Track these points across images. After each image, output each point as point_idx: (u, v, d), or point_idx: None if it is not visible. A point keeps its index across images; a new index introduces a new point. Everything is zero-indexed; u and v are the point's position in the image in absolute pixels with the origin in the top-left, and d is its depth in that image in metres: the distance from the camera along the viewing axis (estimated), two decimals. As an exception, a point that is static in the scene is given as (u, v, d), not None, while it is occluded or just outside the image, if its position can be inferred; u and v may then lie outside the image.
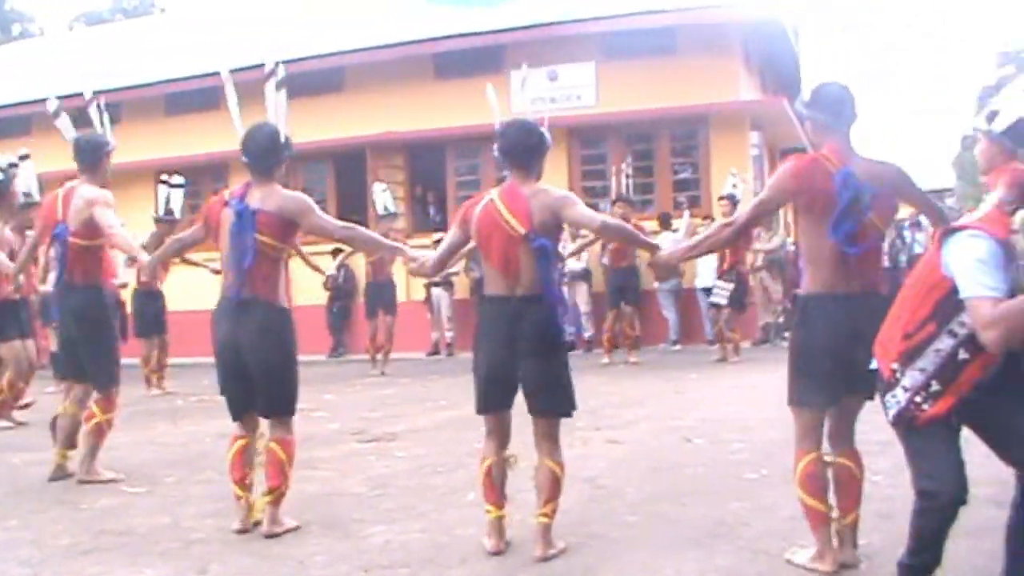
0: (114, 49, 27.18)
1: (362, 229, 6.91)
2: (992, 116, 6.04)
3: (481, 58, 18.69)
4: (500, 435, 5.70)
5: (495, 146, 5.83)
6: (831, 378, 4.95)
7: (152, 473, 8.03)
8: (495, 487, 5.64)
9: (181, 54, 23.10)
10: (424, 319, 18.55)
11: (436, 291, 18.25)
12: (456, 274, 16.16)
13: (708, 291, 15.98)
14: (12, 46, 39.43)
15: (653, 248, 6.00)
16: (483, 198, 5.73)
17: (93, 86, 20.71)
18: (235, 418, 6.30)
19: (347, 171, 19.97)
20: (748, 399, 10.53)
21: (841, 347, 4.91)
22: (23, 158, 10.94)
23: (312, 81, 19.96)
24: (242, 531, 6.11)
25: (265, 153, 6.27)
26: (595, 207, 18.53)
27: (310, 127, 18.45)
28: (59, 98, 8.48)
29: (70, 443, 7.94)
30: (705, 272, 16.29)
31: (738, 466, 7.28)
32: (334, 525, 6.19)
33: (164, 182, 13.83)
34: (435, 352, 18.49)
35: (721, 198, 14.91)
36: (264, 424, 6.33)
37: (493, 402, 5.65)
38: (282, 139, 6.32)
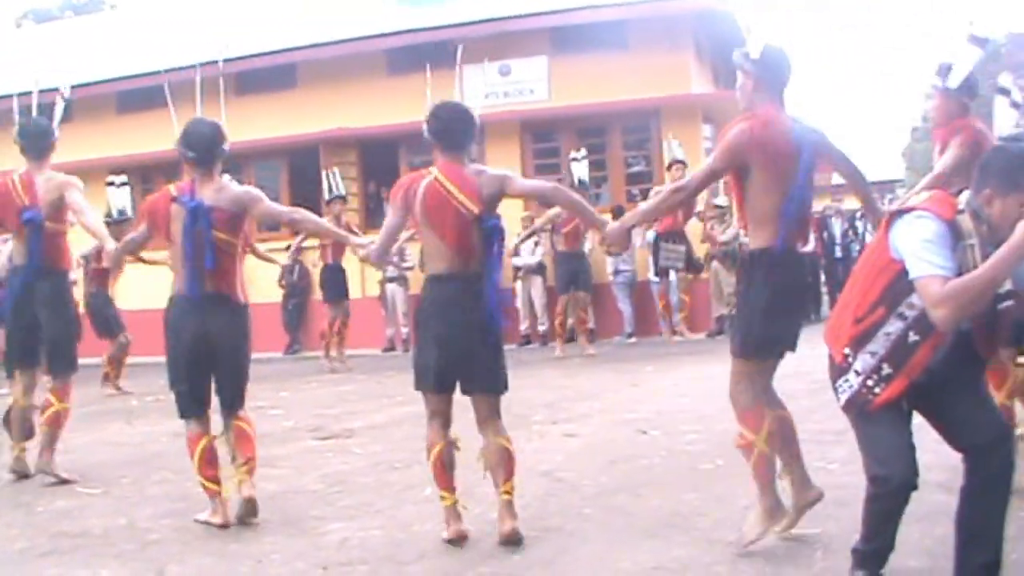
0: (64, 46, 26.94)
1: (309, 213, 7.00)
2: (945, 71, 6.16)
3: (433, 53, 18.64)
4: (446, 417, 5.76)
5: (424, 128, 5.85)
6: (790, 328, 5.25)
7: (107, 474, 8.00)
8: (447, 472, 5.70)
9: (132, 51, 22.93)
10: (379, 315, 18.50)
11: (391, 287, 18.19)
12: (411, 268, 16.07)
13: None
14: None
15: (602, 223, 6.01)
16: (423, 177, 5.72)
17: (42, 84, 20.50)
18: (191, 415, 6.31)
19: (300, 168, 19.86)
20: (704, 391, 10.55)
21: (796, 300, 5.33)
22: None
23: (264, 78, 19.90)
24: (225, 525, 6.13)
25: (211, 146, 6.35)
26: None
27: (263, 124, 18.40)
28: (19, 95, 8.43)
29: (26, 435, 7.92)
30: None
31: (693, 457, 7.33)
32: (292, 523, 6.20)
33: (110, 183, 13.80)
34: (391, 348, 18.45)
35: (672, 164, 15.13)
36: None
37: (447, 381, 5.67)
38: (224, 133, 6.44)
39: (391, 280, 17.93)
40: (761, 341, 5.19)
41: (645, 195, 17.13)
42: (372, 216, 19.91)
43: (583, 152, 16.14)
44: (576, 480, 6.90)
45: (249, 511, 6.20)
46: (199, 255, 6.11)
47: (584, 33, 18.01)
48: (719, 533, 5.45)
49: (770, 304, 5.13)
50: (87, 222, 7.64)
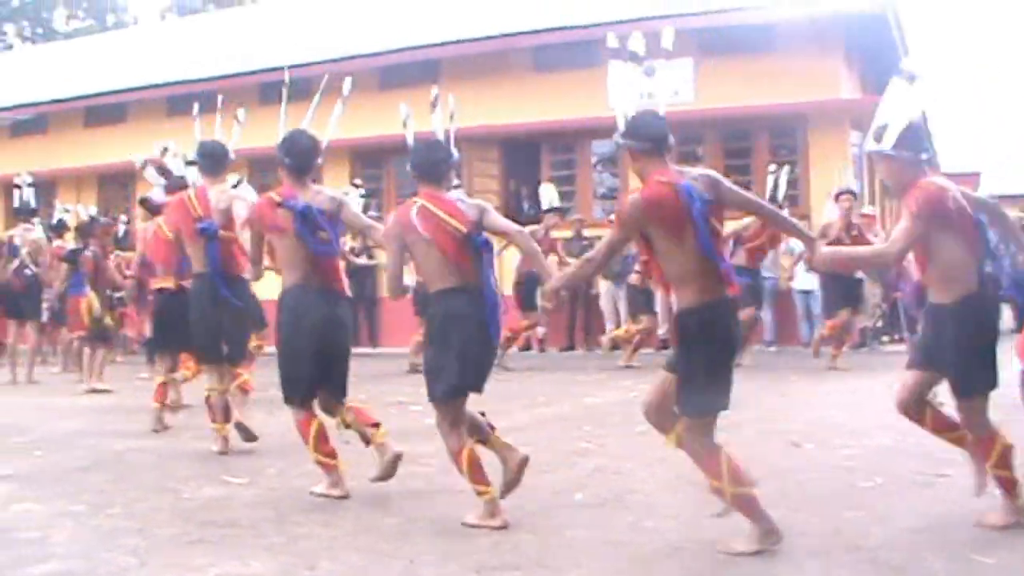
0: (206, 39, 27.43)
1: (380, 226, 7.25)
2: (880, 133, 5.85)
3: (579, 51, 18.56)
4: (464, 418, 6.29)
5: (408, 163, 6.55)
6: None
7: (252, 464, 8.04)
8: (481, 468, 6.09)
9: (271, 45, 23.23)
10: (514, 314, 18.45)
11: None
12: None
13: (807, 293, 15.76)
14: (107, 35, 39.96)
15: (547, 274, 6.35)
16: (411, 207, 6.19)
17: (186, 74, 20.92)
18: (302, 400, 6.93)
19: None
20: (854, 403, 10.34)
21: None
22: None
23: (406, 73, 19.97)
24: (344, 496, 6.69)
25: (308, 157, 6.98)
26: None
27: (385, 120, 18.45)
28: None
29: (226, 416, 8.69)
30: (803, 274, 15.98)
31: (851, 473, 7.11)
32: (442, 523, 6.12)
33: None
34: (527, 347, 18.37)
35: (841, 194, 14.17)
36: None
37: (468, 390, 6.26)
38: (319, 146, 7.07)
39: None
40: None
41: (791, 201, 16.79)
42: (512, 215, 19.85)
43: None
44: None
45: (394, 467, 6.83)
46: (315, 253, 6.77)
47: (731, 35, 17.79)
48: (885, 554, 5.24)
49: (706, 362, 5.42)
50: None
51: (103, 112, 24.67)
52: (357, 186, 15.86)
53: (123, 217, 18.85)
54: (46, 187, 23.74)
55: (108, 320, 13.84)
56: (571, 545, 5.61)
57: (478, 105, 19.34)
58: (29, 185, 16.10)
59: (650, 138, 5.65)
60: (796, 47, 17.81)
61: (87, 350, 14.21)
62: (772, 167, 15.47)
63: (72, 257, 15.02)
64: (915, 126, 5.74)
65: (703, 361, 5.34)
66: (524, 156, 20.49)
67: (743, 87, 17.64)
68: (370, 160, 21.46)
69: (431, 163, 6.41)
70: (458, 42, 19.91)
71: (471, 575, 5.15)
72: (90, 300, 13.79)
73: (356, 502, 6.70)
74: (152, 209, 15.02)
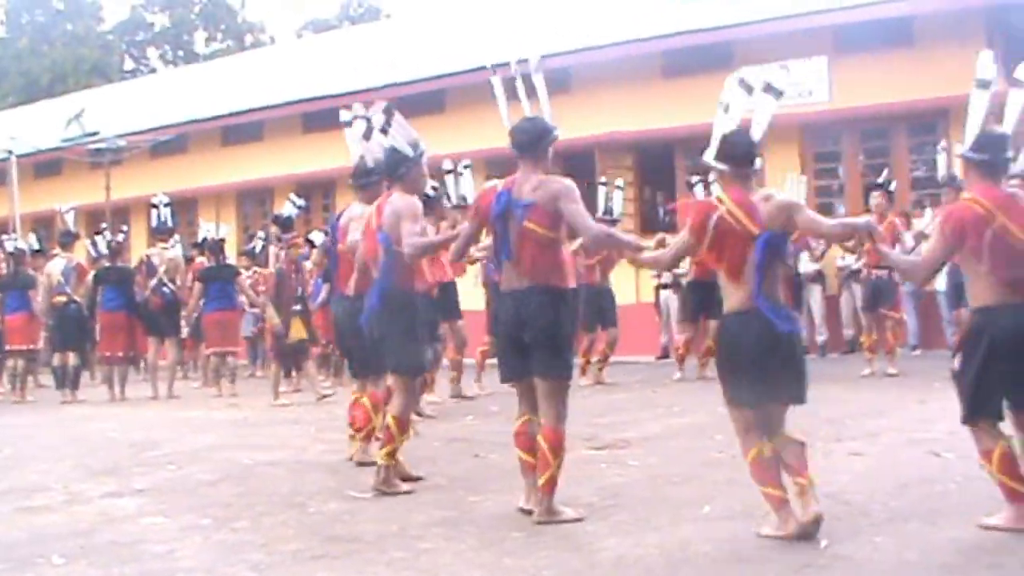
0: (341, 54, 27.73)
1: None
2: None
3: (709, 55, 18.30)
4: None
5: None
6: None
7: (380, 478, 7.97)
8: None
9: (407, 58, 23.38)
10: (653, 321, 18.28)
11: (665, 293, 17.93)
12: (685, 275, 15.70)
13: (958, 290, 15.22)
14: (244, 55, 40.73)
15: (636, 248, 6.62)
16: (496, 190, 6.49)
17: (321, 91, 21.14)
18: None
19: (576, 171, 19.80)
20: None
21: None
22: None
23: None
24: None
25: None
26: (829, 207, 18.04)
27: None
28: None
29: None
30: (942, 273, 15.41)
31: (992, 485, 6.78)
32: (566, 537, 5.98)
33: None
34: (664, 356, 18.16)
35: (872, 189, 13.93)
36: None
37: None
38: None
39: (665, 287, 17.65)
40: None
41: (936, 200, 16.30)
42: (648, 223, 19.67)
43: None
44: (865, 503, 6.45)
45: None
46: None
47: (867, 31, 17.33)
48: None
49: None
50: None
51: (240, 131, 25.08)
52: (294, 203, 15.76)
53: (260, 234, 19.11)
54: (186, 205, 24.25)
55: (297, 334, 13.90)
56: (696, 559, 5.43)
57: (609, 112, 19.24)
58: (166, 205, 16.42)
59: (731, 158, 5.87)
60: (935, 39, 17.30)
61: (273, 366, 14.51)
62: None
63: (210, 274, 15.33)
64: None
65: None
66: (658, 163, 20.28)
67: (880, 83, 17.19)
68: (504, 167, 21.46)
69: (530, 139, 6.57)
70: (587, 49, 19.77)
71: (593, 591, 5.01)
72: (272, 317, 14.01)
73: (482, 516, 6.61)
74: (284, 225, 15.24)
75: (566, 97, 20.02)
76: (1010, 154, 6.02)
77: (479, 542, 5.95)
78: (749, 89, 6.16)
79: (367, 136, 8.51)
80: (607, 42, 19.63)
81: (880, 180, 13.96)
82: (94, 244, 16.63)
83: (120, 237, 16.33)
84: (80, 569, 5.68)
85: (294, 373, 15.37)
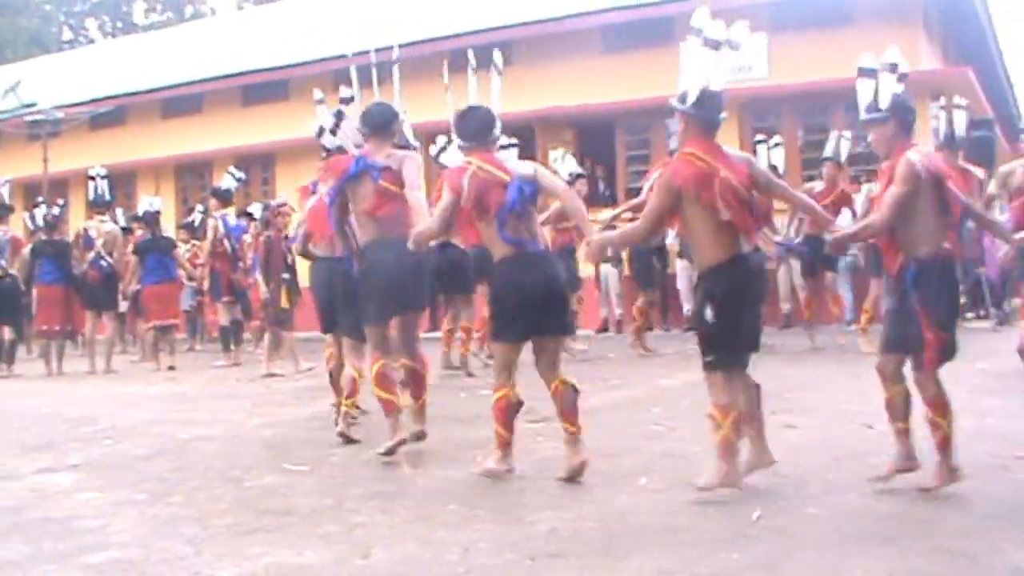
0: (282, 27, 27.52)
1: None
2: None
3: (650, 30, 18.34)
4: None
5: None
6: None
7: (316, 452, 7.96)
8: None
9: (349, 30, 23.22)
10: (593, 295, 18.33)
11: (605, 267, 17.97)
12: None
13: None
14: (184, 27, 40.33)
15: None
16: (467, 169, 6.77)
17: (263, 63, 20.98)
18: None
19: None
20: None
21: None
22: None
23: (479, 57, 19.84)
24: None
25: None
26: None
27: (478, 103, 18.29)
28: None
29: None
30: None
31: (926, 457, 6.85)
32: (501, 510, 6.00)
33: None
34: (604, 329, 18.23)
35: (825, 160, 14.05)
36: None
37: None
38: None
39: (606, 261, 17.69)
40: None
41: (871, 176, 16.42)
42: (589, 196, 19.66)
43: (776, 139, 14.96)
44: (800, 476, 6.51)
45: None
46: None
47: (806, 8, 17.45)
48: (959, 543, 5.02)
49: None
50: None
51: (180, 103, 24.88)
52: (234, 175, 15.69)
53: (199, 207, 18.98)
54: (125, 178, 24.01)
55: (284, 303, 13.71)
56: (632, 531, 5.45)
57: (550, 87, 19.22)
58: (103, 178, 16.22)
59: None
60: (873, 17, 17.44)
61: (266, 337, 14.34)
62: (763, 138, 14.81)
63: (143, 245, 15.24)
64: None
65: None
66: (599, 137, 20.31)
67: (819, 61, 17.29)
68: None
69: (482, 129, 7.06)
70: (527, 24, 19.74)
71: (526, 562, 5.01)
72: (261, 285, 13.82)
73: (417, 490, 6.60)
74: (223, 198, 15.14)
75: (507, 71, 20.00)
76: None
77: (414, 515, 5.94)
78: (715, 45, 6.32)
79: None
80: (548, 16, 19.60)
81: (829, 153, 14.15)
82: (31, 217, 16.42)
83: (57, 210, 16.11)
84: (12, 546, 5.60)
85: (233, 347, 15.29)
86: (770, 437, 7.37)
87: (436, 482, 6.75)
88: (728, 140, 16.33)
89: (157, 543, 5.55)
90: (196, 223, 17.88)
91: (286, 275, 13.59)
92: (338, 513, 6.08)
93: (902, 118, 6.18)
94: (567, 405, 6.61)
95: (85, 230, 16.00)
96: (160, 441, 8.68)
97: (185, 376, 13.98)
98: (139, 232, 16.77)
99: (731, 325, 6.05)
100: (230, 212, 15.88)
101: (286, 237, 13.57)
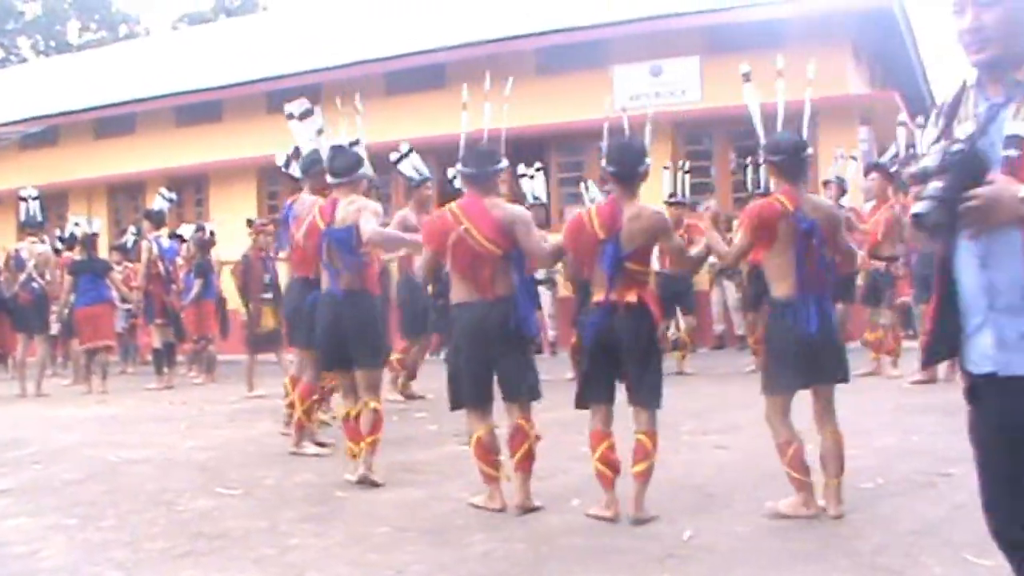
0: (216, 48, 27.44)
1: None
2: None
3: (584, 53, 18.48)
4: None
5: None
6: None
7: (250, 474, 7.94)
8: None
9: (283, 52, 23.22)
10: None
11: (539, 289, 18.02)
12: (559, 272, 15.84)
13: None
14: (117, 47, 40.03)
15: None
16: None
17: (196, 84, 20.83)
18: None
19: (449, 167, 19.87)
20: (857, 404, 10.13)
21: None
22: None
23: (413, 78, 19.92)
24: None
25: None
26: (697, 204, 18.29)
27: (413, 124, 18.37)
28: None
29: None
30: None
31: (852, 474, 6.93)
32: (435, 532, 6.04)
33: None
34: (538, 351, 18.28)
35: (826, 182, 13.82)
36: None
37: None
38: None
39: (540, 283, 17.75)
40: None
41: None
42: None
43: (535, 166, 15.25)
44: (728, 495, 6.62)
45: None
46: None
47: (738, 32, 17.63)
48: (884, 559, 5.13)
49: None
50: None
51: (113, 123, 24.67)
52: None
53: (132, 228, 18.85)
54: (57, 199, 23.77)
55: (267, 323, 13.51)
56: (564, 553, 5.51)
57: (483, 109, 19.27)
58: (35, 198, 16.04)
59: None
60: (803, 43, 17.63)
61: (247, 358, 13.93)
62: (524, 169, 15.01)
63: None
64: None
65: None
66: (532, 159, 20.38)
67: (751, 84, 17.48)
68: (379, 166, 21.43)
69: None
70: (461, 46, 19.82)
71: (459, 585, 5.06)
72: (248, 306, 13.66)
73: (350, 512, 6.63)
74: (156, 220, 15.08)
75: (440, 93, 20.10)
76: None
77: (347, 538, 5.98)
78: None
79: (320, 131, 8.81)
80: (481, 39, 19.69)
81: (880, 160, 13.72)
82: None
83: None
84: (-61, 573, 5.58)
85: (165, 370, 15.19)
86: (701, 457, 7.49)
87: (369, 504, 6.77)
88: (660, 162, 16.64)
89: (87, 568, 5.54)
90: (129, 245, 17.75)
91: (268, 295, 13.47)
92: (271, 536, 6.09)
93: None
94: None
95: (16, 251, 15.80)
96: (91, 464, 8.60)
97: (117, 399, 13.85)
98: (67, 254, 16.60)
99: None
100: (163, 234, 15.80)
101: (267, 256, 13.49)
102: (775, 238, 6.15)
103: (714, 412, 9.87)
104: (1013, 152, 2.90)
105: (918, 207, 2.91)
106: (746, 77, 6.67)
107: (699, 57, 18.46)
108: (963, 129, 3.06)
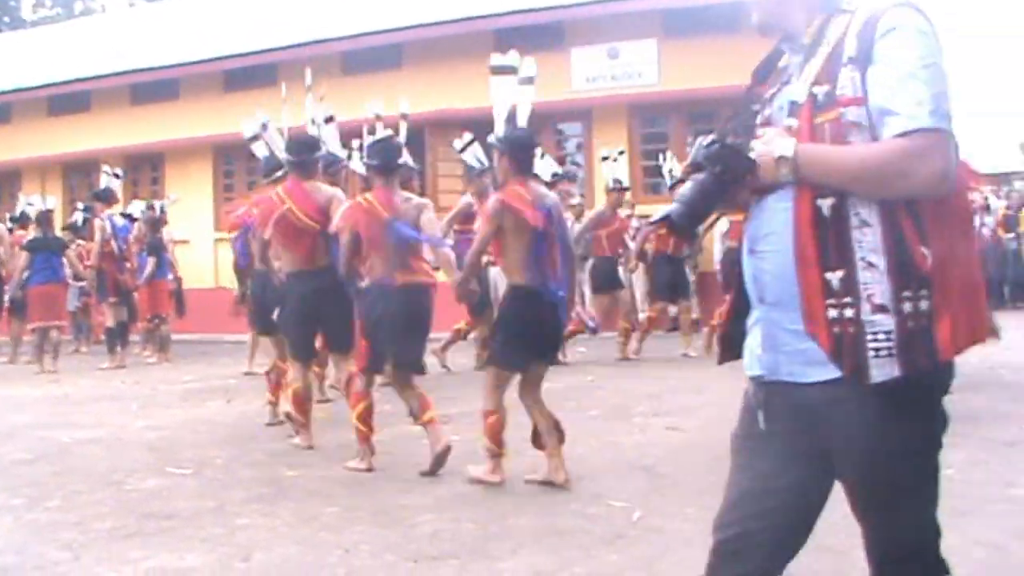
0: (174, 25, 27.19)
1: None
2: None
3: (541, 34, 18.43)
4: None
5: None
6: None
7: (200, 454, 7.93)
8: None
9: (240, 30, 23.05)
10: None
11: (493, 271, 17.97)
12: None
13: None
14: (73, 23, 39.63)
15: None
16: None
17: (152, 62, 20.64)
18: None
19: (407, 148, 19.80)
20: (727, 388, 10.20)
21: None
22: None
23: (369, 58, 19.82)
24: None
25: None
26: (656, 187, 18.31)
27: (370, 104, 18.26)
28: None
29: None
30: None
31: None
32: (383, 511, 6.03)
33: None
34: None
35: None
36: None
37: None
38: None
39: (493, 264, 17.68)
40: None
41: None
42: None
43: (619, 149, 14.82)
44: (679, 477, 6.64)
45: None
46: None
47: (695, 15, 17.64)
48: (831, 540, 5.12)
49: None
50: None
51: (67, 101, 24.39)
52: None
53: (80, 206, 18.70)
54: (10, 177, 23.57)
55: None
56: (512, 532, 5.52)
57: (441, 89, 19.23)
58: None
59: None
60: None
61: (250, 333, 13.59)
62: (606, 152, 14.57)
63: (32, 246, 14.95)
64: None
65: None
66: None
67: (708, 68, 17.51)
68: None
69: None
70: (419, 26, 19.74)
71: (407, 564, 5.05)
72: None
73: (299, 491, 6.61)
74: (105, 199, 14.95)
75: (397, 73, 20.02)
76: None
77: (296, 517, 5.96)
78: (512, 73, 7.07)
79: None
80: (438, 19, 19.61)
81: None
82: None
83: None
84: None
85: (119, 349, 15.09)
86: (652, 439, 7.52)
87: (319, 484, 6.77)
88: (616, 144, 16.64)
89: (34, 549, 5.49)
90: (79, 223, 17.57)
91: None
92: (220, 516, 6.06)
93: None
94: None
95: (-32, 230, 15.68)
96: (41, 445, 8.54)
97: (70, 378, 13.76)
98: (20, 233, 16.46)
99: None
100: (116, 212, 15.65)
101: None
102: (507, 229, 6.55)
103: (668, 394, 9.90)
104: (792, 122, 2.62)
105: (666, 210, 2.70)
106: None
107: (656, 40, 18.45)
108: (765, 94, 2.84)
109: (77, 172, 24.73)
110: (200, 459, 7.70)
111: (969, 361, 8.58)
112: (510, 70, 7.10)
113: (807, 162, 2.53)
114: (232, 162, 21.80)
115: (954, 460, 6.42)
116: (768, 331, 2.68)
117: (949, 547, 4.79)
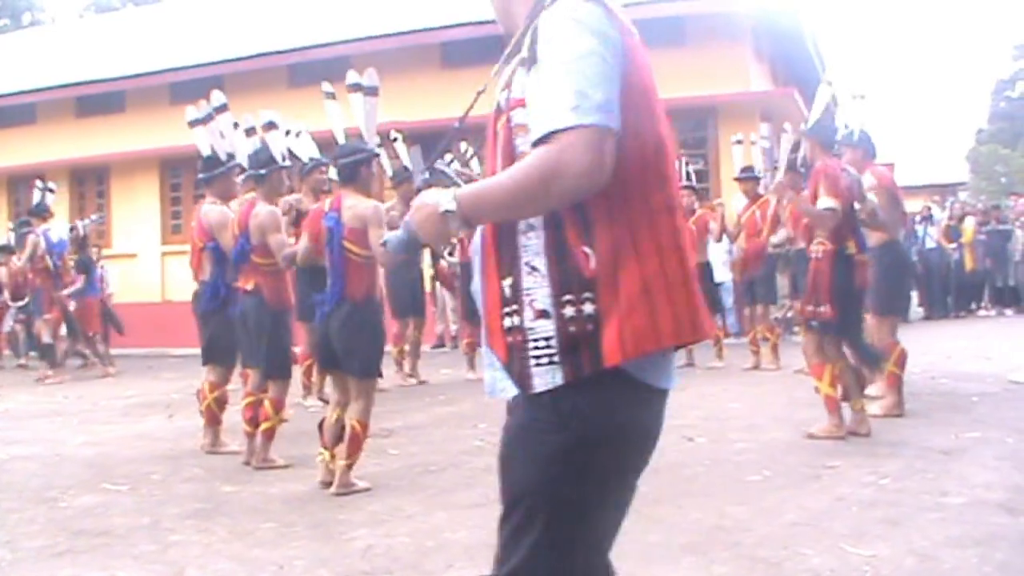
0: (122, 38, 27.04)
1: None
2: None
3: (489, 46, 18.44)
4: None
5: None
6: None
7: (137, 470, 7.86)
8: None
9: (186, 43, 22.94)
10: (429, 311, 18.32)
11: (435, 284, 17.96)
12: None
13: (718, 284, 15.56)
14: (20, 34, 39.32)
15: None
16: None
17: (99, 74, 20.53)
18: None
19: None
20: (755, 397, 10.27)
21: None
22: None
23: (317, 70, 19.76)
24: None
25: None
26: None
27: (317, 117, 18.19)
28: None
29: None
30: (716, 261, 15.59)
31: (741, 467, 7.04)
32: (317, 527, 5.99)
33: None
34: (440, 345, 18.25)
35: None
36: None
37: None
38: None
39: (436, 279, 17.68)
40: None
41: (701, 195, 16.71)
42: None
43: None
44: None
45: None
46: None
47: (640, 29, 17.52)
48: (764, 551, 5.17)
49: None
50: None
51: (12, 113, 24.21)
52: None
53: (10, 225, 18.53)
54: (-47, 190, 23.33)
55: None
56: (448, 547, 5.49)
57: (388, 103, 19.18)
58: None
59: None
60: (705, 40, 17.82)
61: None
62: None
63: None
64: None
65: None
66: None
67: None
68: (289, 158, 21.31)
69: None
70: (366, 39, 19.74)
71: (340, 580, 5.02)
72: None
73: (235, 507, 6.55)
74: (39, 214, 14.80)
75: (341, 86, 19.94)
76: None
77: (230, 533, 5.90)
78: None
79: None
80: (386, 32, 19.61)
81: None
82: None
83: None
84: None
85: (58, 363, 14.94)
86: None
87: (255, 499, 6.72)
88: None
89: (-39, 568, 5.41)
90: (12, 243, 17.10)
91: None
92: (154, 532, 6.00)
93: None
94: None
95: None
96: (-25, 462, 8.44)
97: (10, 394, 13.60)
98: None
99: None
100: (51, 227, 15.42)
101: None
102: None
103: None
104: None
105: (386, 235, 2.66)
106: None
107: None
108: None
109: (22, 185, 24.50)
110: (137, 475, 7.62)
111: (910, 370, 8.76)
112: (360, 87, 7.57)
113: (470, 206, 2.37)
114: (178, 175, 21.67)
115: (890, 469, 6.52)
116: (485, 348, 2.56)
117: (880, 557, 4.87)
